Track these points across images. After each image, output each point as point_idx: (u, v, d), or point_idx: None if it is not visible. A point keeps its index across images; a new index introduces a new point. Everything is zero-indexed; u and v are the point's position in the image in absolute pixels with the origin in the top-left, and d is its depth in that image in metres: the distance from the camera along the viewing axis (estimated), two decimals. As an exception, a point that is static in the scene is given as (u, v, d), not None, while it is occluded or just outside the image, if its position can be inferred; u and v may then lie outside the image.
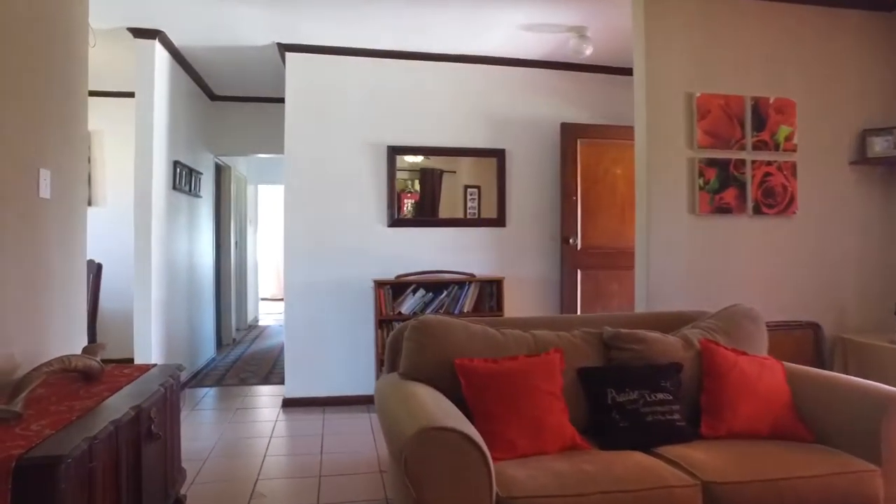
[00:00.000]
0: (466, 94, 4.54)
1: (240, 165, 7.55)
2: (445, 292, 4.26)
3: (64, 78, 2.78)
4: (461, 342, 2.36)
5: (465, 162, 4.67)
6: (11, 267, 2.30)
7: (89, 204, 5.90)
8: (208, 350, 5.76)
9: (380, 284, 4.13)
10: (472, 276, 4.34)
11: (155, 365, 2.60)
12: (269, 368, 5.52)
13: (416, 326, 2.37)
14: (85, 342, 3.06)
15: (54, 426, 1.56)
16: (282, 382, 4.65)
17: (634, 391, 2.30)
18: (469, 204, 4.65)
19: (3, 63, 2.18)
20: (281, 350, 6.41)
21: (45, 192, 2.61)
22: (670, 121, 3.20)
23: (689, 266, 3.20)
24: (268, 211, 11.07)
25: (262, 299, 9.99)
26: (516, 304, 4.47)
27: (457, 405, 2.08)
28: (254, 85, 5.49)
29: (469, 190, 4.65)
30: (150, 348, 4.06)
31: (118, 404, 1.93)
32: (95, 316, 5.19)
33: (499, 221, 4.59)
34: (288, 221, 4.29)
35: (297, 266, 4.28)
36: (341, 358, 4.32)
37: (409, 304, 4.19)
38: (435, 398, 2.05)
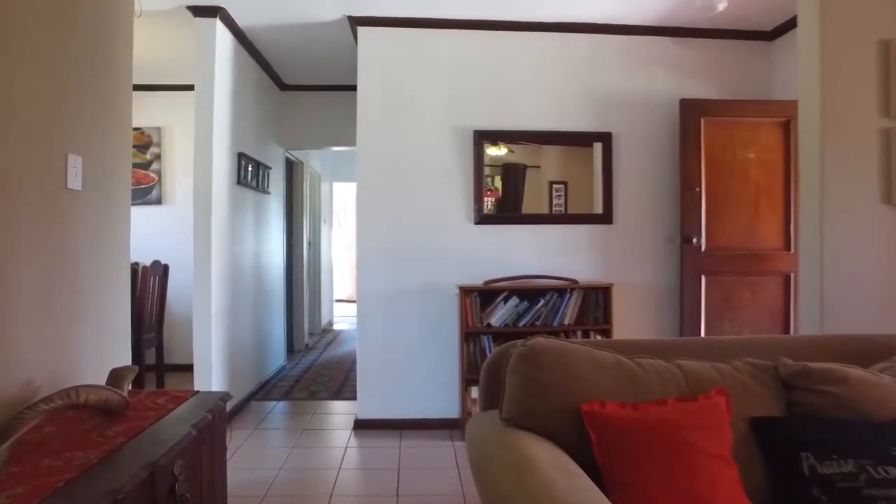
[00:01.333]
0: (565, 68, 3.87)
1: (313, 161, 7.20)
2: (543, 301, 3.60)
3: (101, 49, 2.36)
4: (587, 377, 1.70)
5: (551, 156, 4.04)
6: (27, 271, 1.86)
7: (159, 202, 5.70)
8: (278, 358, 5.38)
9: (466, 291, 3.53)
10: (575, 282, 3.66)
11: (196, 393, 2.11)
12: (341, 380, 5.05)
13: (526, 355, 1.73)
14: (127, 359, 2.64)
15: (32, 498, 1.07)
16: (354, 398, 4.15)
17: (849, 460, 1.56)
18: (555, 202, 4.00)
19: (24, 26, 1.75)
20: (355, 358, 5.96)
21: (74, 181, 2.17)
22: (855, 80, 2.41)
23: (886, 274, 2.39)
24: (343, 209, 10.77)
25: (337, 300, 9.67)
26: (626, 316, 3.75)
27: (583, 466, 1.45)
28: (326, 71, 5.04)
29: (555, 186, 4.00)
30: (209, 358, 3.65)
31: (129, 459, 1.43)
32: (162, 320, 4.91)
33: (604, 217, 3.87)
34: (361, 220, 3.78)
35: (371, 270, 3.75)
36: (420, 375, 3.76)
37: (499, 315, 3.56)
38: (564, 472, 1.40)
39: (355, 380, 4.89)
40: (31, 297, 1.88)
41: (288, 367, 5.57)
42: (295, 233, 6.45)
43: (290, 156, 5.89)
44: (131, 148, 2.62)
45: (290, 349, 6.18)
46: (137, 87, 5.39)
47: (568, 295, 3.62)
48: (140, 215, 5.77)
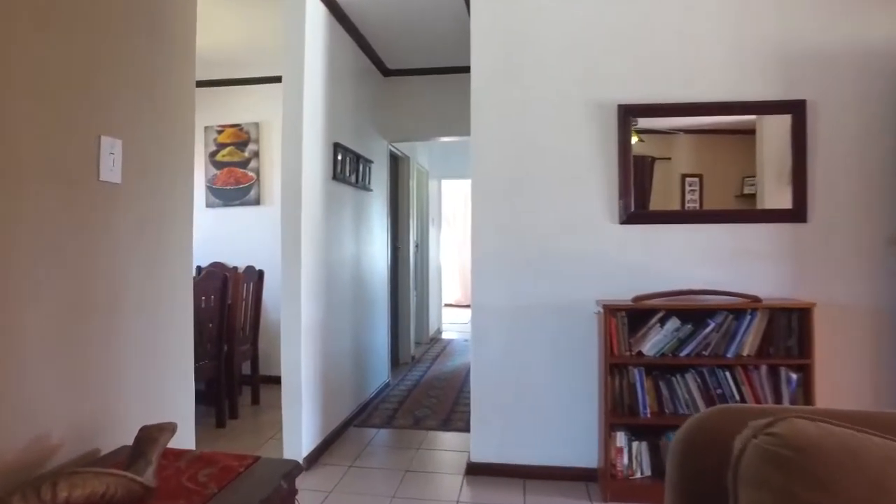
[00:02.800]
0: (737, 17, 2.95)
1: (420, 156, 6.65)
2: (712, 324, 2.72)
3: (151, 14, 1.85)
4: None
5: (684, 146, 3.18)
6: (42, 289, 1.38)
7: (257, 202, 5.38)
8: (381, 374, 4.84)
9: (610, 310, 2.74)
10: (757, 299, 2.75)
11: (255, 461, 1.52)
12: (451, 402, 4.41)
13: (785, 459, 0.93)
14: (188, 397, 2.13)
15: None
16: (466, 429, 3.50)
17: None
18: (688, 197, 3.11)
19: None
20: (467, 373, 5.31)
21: (110, 172, 1.67)
22: None
23: None
24: (452, 209, 10.21)
25: (446, 305, 9.11)
26: (832, 348, 2.79)
27: None
28: (433, 51, 4.43)
29: (688, 180, 3.11)
30: (299, 382, 3.13)
31: None
32: (258, 329, 4.53)
33: (795, 214, 2.92)
34: (477, 221, 3.09)
35: (488, 281, 3.06)
36: (550, 413, 3.01)
37: (654, 341, 2.74)
38: None
39: (466, 402, 4.24)
40: (46, 323, 1.40)
41: (392, 383, 5.03)
42: (401, 234, 5.92)
43: (394, 149, 5.35)
44: (193, 134, 2.11)
45: (395, 362, 5.65)
46: (234, 82, 5.06)
47: (748, 317, 2.72)
48: (237, 217, 5.50)
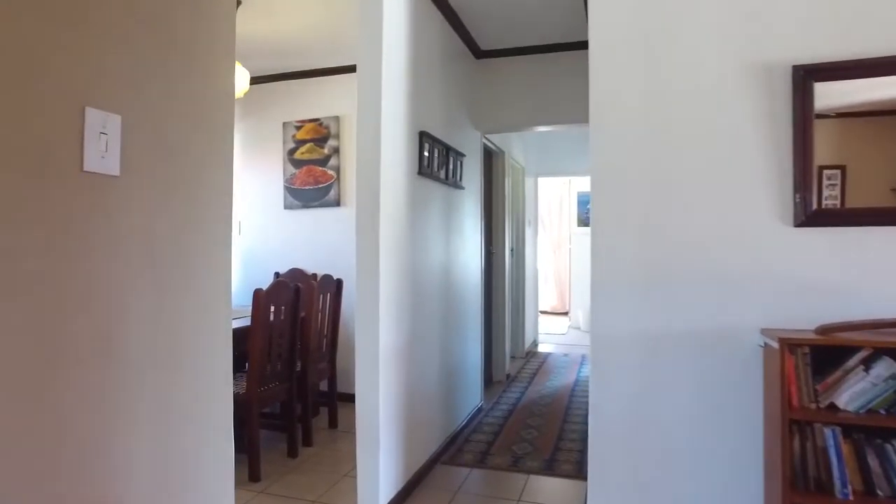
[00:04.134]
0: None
1: (516, 151, 6.02)
2: (946, 371, 1.91)
3: None
4: None
5: (821, 132, 2.31)
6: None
7: (337, 203, 4.96)
8: (473, 396, 4.26)
9: (788, 345, 1.99)
10: None
11: None
12: (555, 436, 3.75)
13: None
14: (230, 474, 1.63)
15: None
16: (576, 473, 2.86)
17: None
18: (825, 193, 2.26)
19: None
20: (570, 396, 4.63)
21: (100, 160, 1.20)
22: None
23: None
24: (548, 209, 9.49)
25: (542, 312, 8.41)
26: None
27: None
28: (534, 25, 3.79)
29: (826, 173, 2.26)
30: (376, 415, 2.60)
31: None
32: (336, 345, 4.08)
33: None
34: (599, 228, 2.41)
35: (612, 305, 2.37)
36: (698, 477, 2.29)
37: (856, 391, 1.96)
38: None
39: (573, 436, 3.60)
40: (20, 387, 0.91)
41: (485, 408, 4.44)
42: (495, 237, 5.32)
43: (488, 143, 4.76)
44: (232, 112, 1.62)
45: (488, 381, 5.05)
46: (312, 73, 4.61)
47: None
48: (317, 219, 5.04)
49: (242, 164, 4.98)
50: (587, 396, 4.84)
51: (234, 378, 3.32)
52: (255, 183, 4.93)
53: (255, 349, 3.03)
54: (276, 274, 4.77)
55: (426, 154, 3.13)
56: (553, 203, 9.66)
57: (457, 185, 3.74)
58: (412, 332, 3.00)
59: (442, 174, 3.42)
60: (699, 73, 2.31)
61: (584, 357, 6.33)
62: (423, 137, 3.09)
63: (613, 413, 2.37)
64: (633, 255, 2.35)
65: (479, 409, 4.34)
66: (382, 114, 2.64)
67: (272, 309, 3.15)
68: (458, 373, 3.86)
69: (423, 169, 3.10)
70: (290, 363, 3.40)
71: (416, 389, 3.05)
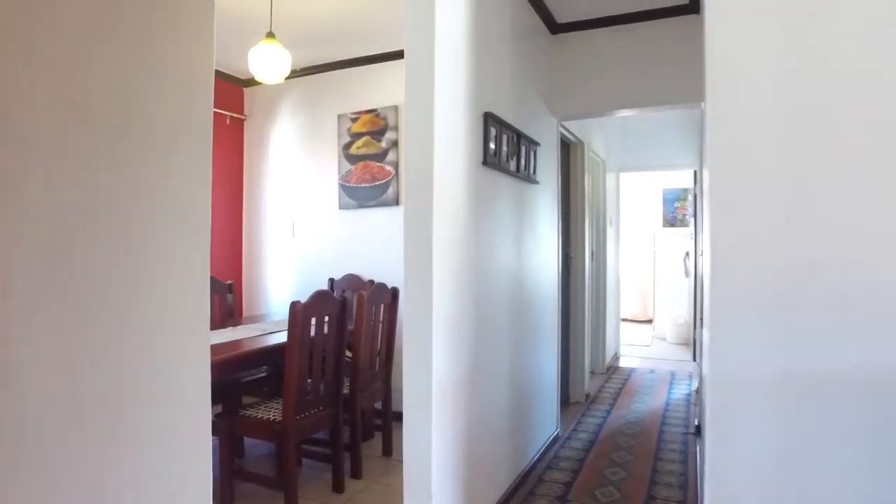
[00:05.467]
0: None
1: (596, 143, 5.38)
2: None
3: None
4: None
5: None
6: None
7: (396, 202, 4.50)
8: (548, 422, 3.69)
9: None
10: None
11: None
12: (647, 480, 3.13)
13: None
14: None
15: None
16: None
17: None
18: None
19: None
20: (661, 425, 3.96)
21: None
22: None
23: None
24: (631, 208, 8.72)
25: (623, 320, 7.66)
26: None
27: None
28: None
29: None
30: (428, 462, 2.10)
31: None
32: (391, 362, 3.62)
33: None
34: (719, 230, 1.79)
35: (739, 334, 1.74)
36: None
37: None
38: None
39: (668, 478, 2.99)
40: None
41: (561, 435, 3.85)
42: (573, 240, 4.72)
43: (565, 132, 4.17)
44: (211, 69, 1.16)
45: (564, 402, 4.46)
46: (367, 60, 4.10)
47: None
48: (372, 221, 4.23)
49: (296, 161, 4.64)
50: (682, 426, 4.25)
51: (271, 403, 2.92)
52: (309, 181, 4.57)
53: (291, 370, 2.61)
54: (331, 280, 4.38)
55: (493, 140, 2.61)
56: (635, 201, 8.86)
57: (530, 179, 3.19)
58: (475, 354, 2.49)
59: (512, 165, 2.88)
60: (871, 21, 1.65)
61: (673, 375, 5.59)
62: (489, 120, 2.57)
63: (742, 482, 1.75)
64: (772, 267, 1.72)
65: (555, 439, 3.76)
66: (436, 86, 2.13)
67: (313, 322, 2.72)
68: (530, 396, 3.31)
69: (489, 158, 2.58)
70: (336, 385, 2.96)
71: (479, 425, 2.53)
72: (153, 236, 1.01)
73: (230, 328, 3.44)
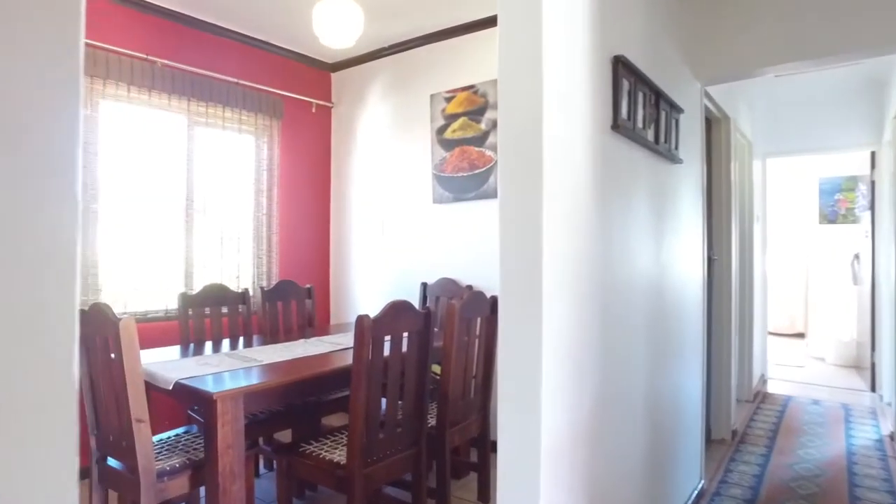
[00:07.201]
0: None
1: (742, 120, 4.41)
2: None
3: None
4: None
5: None
6: None
7: (497, 194, 3.83)
8: (689, 472, 2.87)
9: None
10: None
11: None
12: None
13: None
14: None
15: None
16: None
17: None
18: None
19: None
20: (850, 484, 3.00)
21: None
22: None
23: None
24: (779, 201, 7.49)
25: (770, 334, 6.49)
26: None
27: None
28: None
29: None
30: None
31: None
32: (489, 387, 2.98)
33: None
34: None
35: None
36: None
37: None
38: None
39: None
40: None
41: (707, 490, 3.00)
42: (716, 239, 3.83)
43: (709, 103, 3.32)
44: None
45: (706, 438, 3.58)
46: (459, 30, 3.16)
47: None
48: (471, 216, 3.45)
49: (385, 150, 4.13)
50: (884, 490, 2.98)
51: (336, 438, 2.37)
52: (400, 173, 4.04)
53: (356, 404, 2.04)
54: (423, 285, 3.82)
55: (625, 97, 1.89)
56: (783, 193, 7.59)
57: (671, 156, 2.42)
58: (600, 394, 1.78)
59: (650, 134, 2.14)
60: None
61: (847, 410, 4.46)
62: (620, 68, 1.85)
63: None
64: None
65: (700, 494, 2.93)
66: (543, 12, 1.47)
67: (387, 339, 2.14)
68: (670, 436, 2.52)
69: (621, 121, 1.86)
70: (418, 419, 2.37)
71: (604, 485, 1.82)
72: None
73: (301, 341, 2.96)
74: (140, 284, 3.36)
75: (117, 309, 3.28)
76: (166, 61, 3.38)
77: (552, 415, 1.48)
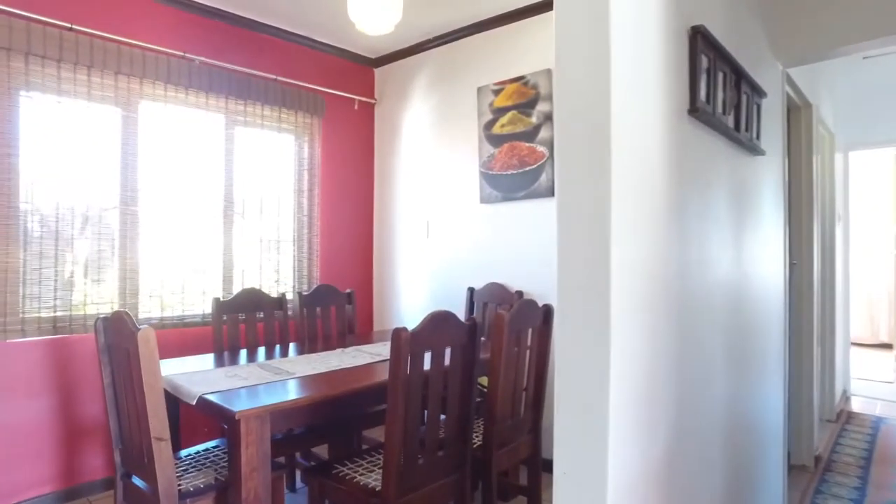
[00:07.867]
0: None
1: (824, 108, 3.99)
2: None
3: None
4: None
5: None
6: None
7: (551, 194, 3.48)
8: (771, 503, 2.53)
9: None
10: None
11: None
12: None
13: None
14: None
15: None
16: None
17: None
18: None
19: None
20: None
21: None
22: None
23: None
24: (860, 198, 6.91)
25: (853, 344, 5.94)
26: None
27: None
28: None
29: None
30: None
31: None
32: (540, 403, 2.71)
33: None
34: None
35: None
36: None
37: None
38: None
39: None
40: None
41: (792, 524, 2.65)
42: (797, 241, 3.44)
43: (790, 89, 2.96)
44: None
45: (789, 467, 3.20)
46: (508, 17, 2.73)
47: None
48: (521, 216, 3.09)
49: (430, 148, 3.92)
50: None
51: (373, 458, 2.16)
52: (445, 171, 3.82)
53: (393, 426, 1.82)
54: (470, 290, 3.59)
55: (704, 76, 1.61)
56: (865, 189, 6.98)
57: (753, 147, 2.10)
58: (678, 428, 1.51)
59: (730, 120, 1.84)
60: None
61: (945, 429, 3.97)
62: (699, 40, 1.57)
63: None
64: None
65: (783, 530, 2.59)
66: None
67: (427, 355, 1.92)
68: (748, 468, 2.20)
69: (700, 104, 1.57)
70: (461, 441, 2.13)
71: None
72: None
73: (339, 350, 2.78)
74: (177, 288, 3.26)
75: (155, 313, 3.18)
76: (204, 58, 3.28)
77: (620, 457, 1.23)
